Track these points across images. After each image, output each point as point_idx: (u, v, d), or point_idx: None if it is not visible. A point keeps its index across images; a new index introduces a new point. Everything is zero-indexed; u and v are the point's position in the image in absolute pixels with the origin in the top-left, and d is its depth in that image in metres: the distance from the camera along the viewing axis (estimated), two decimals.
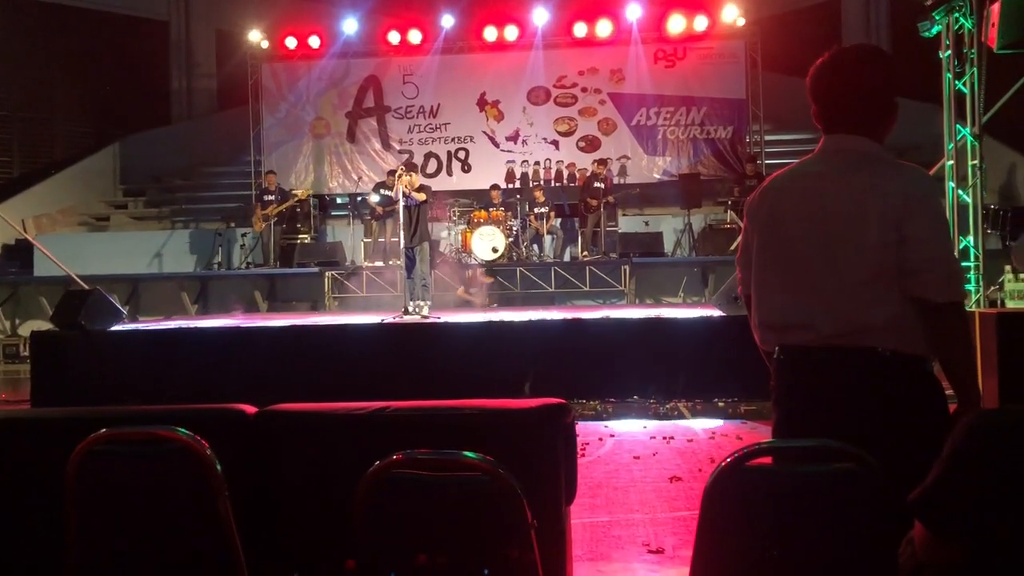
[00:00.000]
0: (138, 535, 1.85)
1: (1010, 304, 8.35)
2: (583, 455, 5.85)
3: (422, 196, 9.47)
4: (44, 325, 11.77)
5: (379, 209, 14.10)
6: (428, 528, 1.62)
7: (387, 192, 14.14)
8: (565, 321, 8.62)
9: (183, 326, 9.22)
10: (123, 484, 1.84)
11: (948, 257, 2.21)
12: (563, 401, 2.38)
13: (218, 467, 1.74)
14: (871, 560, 1.54)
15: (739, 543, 1.62)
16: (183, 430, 1.77)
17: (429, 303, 9.55)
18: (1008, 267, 8.83)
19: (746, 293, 2.57)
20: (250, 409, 2.45)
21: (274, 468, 2.36)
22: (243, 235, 14.99)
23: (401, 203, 9.19)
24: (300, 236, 14.58)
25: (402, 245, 9.33)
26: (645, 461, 5.75)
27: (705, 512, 1.66)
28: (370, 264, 13.85)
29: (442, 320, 8.92)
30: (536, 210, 14.20)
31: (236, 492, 2.30)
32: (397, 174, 9.36)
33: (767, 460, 1.92)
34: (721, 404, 7.89)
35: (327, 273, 13.78)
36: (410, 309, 9.31)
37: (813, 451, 1.66)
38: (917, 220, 2.16)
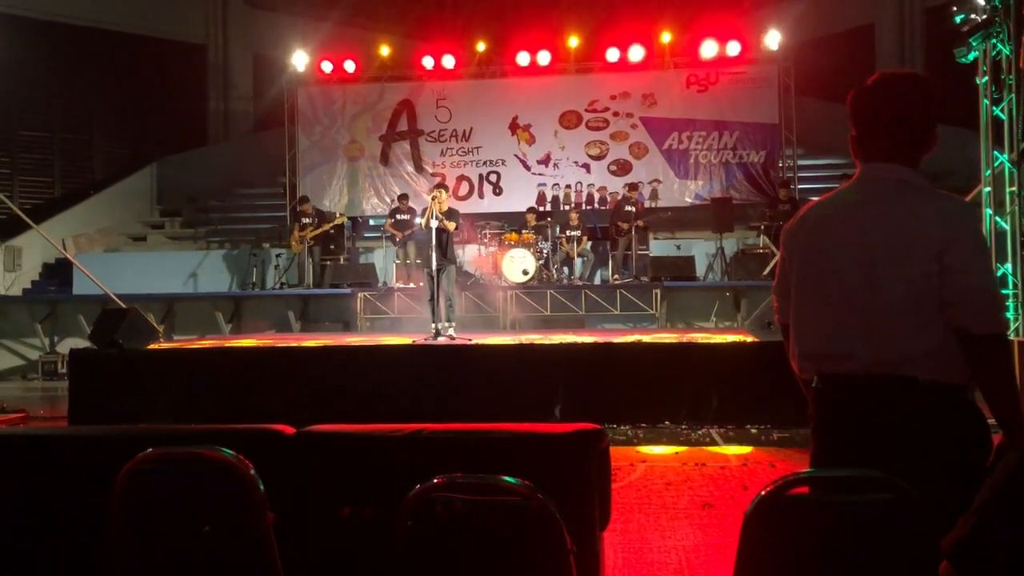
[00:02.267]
0: (182, 554, 1.89)
1: None
2: (615, 480, 5.82)
3: (451, 226, 9.52)
4: (82, 343, 11.95)
5: (398, 235, 14.24)
6: (468, 552, 1.63)
7: (403, 216, 14.30)
8: (596, 344, 8.62)
9: (218, 345, 9.31)
10: (169, 503, 1.88)
11: (989, 287, 2.21)
12: (598, 426, 2.39)
13: (260, 487, 1.77)
14: None
15: (778, 572, 1.61)
16: (227, 450, 1.81)
17: (454, 324, 9.59)
18: None
19: (783, 322, 2.57)
20: (288, 430, 2.49)
21: (313, 489, 2.39)
22: (278, 256, 15.18)
23: (434, 224, 9.24)
24: (334, 257, 14.73)
25: (432, 266, 9.37)
26: (677, 487, 5.72)
27: (744, 541, 1.66)
28: (402, 285, 13.94)
29: (473, 342, 8.94)
30: (568, 232, 14.23)
31: (276, 512, 2.34)
32: (431, 195, 9.42)
33: (804, 489, 1.91)
34: (754, 431, 7.83)
35: (359, 294, 13.89)
36: (440, 330, 9.35)
37: (853, 481, 1.65)
38: (957, 250, 2.16)
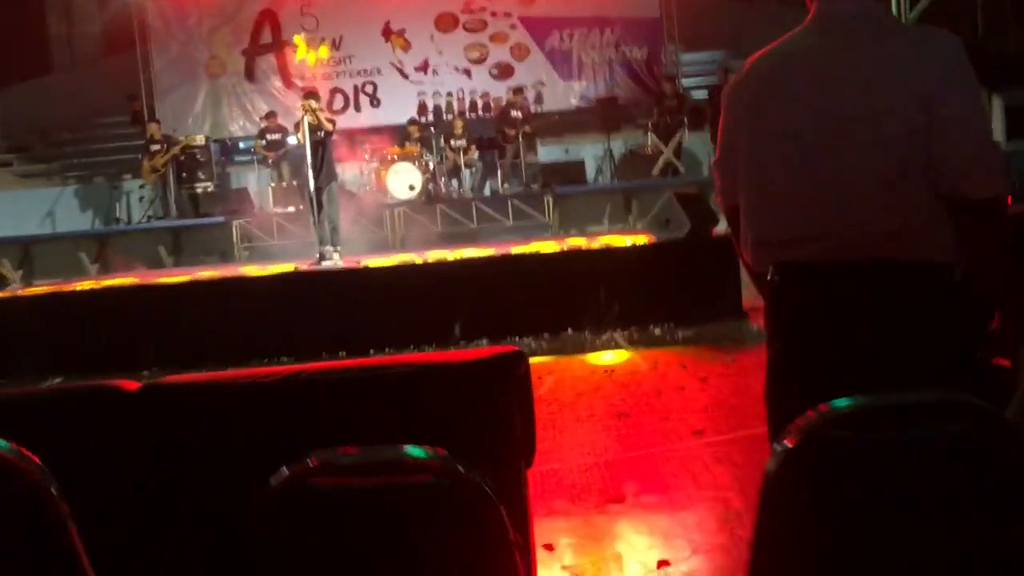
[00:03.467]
0: None
1: None
2: None
3: (329, 125, 8.82)
4: None
5: (270, 156, 13.34)
6: (359, 560, 1.17)
7: (273, 136, 13.37)
8: (492, 258, 8.19)
9: (72, 289, 8.45)
10: None
11: (988, 139, 1.83)
12: (515, 349, 1.95)
13: (54, 489, 1.27)
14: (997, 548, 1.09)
15: (812, 533, 1.17)
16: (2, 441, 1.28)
17: (340, 248, 8.98)
18: None
19: (729, 203, 2.13)
20: (130, 385, 1.96)
21: (161, 459, 1.89)
22: (141, 187, 14.04)
23: (307, 139, 8.53)
24: (202, 185, 13.66)
25: (311, 186, 8.68)
26: (589, 397, 5.43)
27: (769, 502, 1.14)
28: (280, 210, 13.11)
29: (361, 264, 8.38)
30: (453, 143, 13.61)
31: (113, 489, 1.83)
32: (301, 106, 8.66)
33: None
34: (657, 332, 7.62)
35: (234, 222, 13.02)
36: (324, 255, 8.73)
37: (904, 408, 1.19)
38: (949, 95, 1.76)
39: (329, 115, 8.75)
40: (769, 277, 1.99)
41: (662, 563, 2.92)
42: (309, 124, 8.51)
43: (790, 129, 1.90)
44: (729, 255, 8.08)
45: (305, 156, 8.67)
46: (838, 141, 1.83)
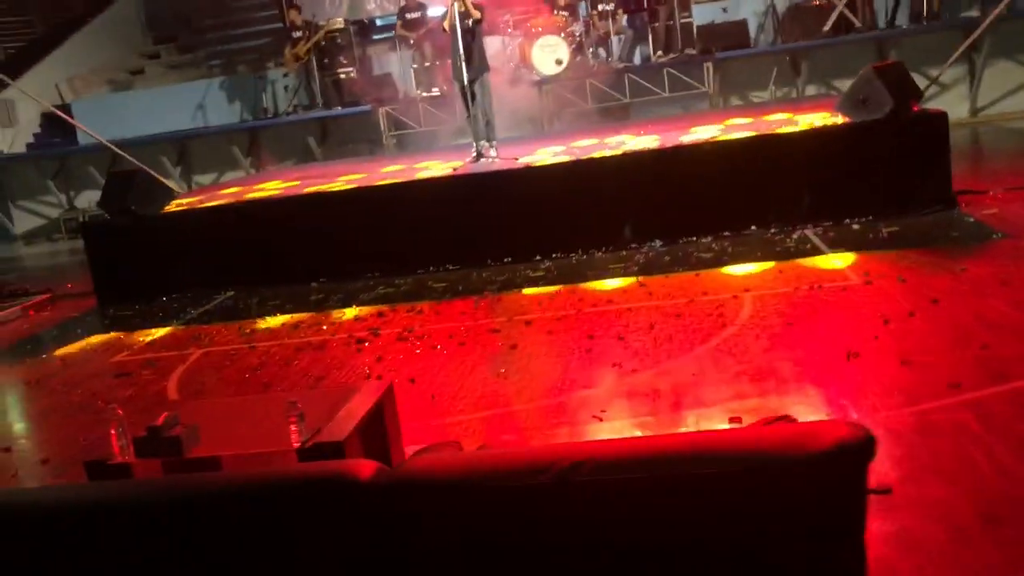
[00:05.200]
0: None
1: None
2: (724, 324, 4.98)
3: (477, 13, 8.18)
4: (98, 195, 11.05)
5: (411, 36, 12.73)
6: None
7: (413, 15, 12.71)
8: (662, 150, 7.51)
9: (236, 201, 8.35)
10: None
11: None
12: (861, 432, 1.45)
13: None
14: None
15: None
16: None
17: (495, 142, 8.46)
18: None
19: None
20: (365, 468, 1.60)
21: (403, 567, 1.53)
22: (284, 75, 13.83)
23: (458, 29, 7.92)
24: (344, 71, 13.29)
25: (463, 78, 8.11)
26: (801, 324, 4.84)
27: None
28: (426, 93, 12.64)
29: (520, 161, 7.88)
30: (600, 7, 12.60)
31: None
32: None
33: None
34: (856, 227, 6.86)
35: (381, 110, 12.68)
36: (480, 151, 8.25)
37: None
38: None
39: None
40: None
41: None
42: (459, 12, 7.88)
43: None
44: (937, 134, 7.14)
45: (454, 44, 8.08)
46: None
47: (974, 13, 11.59)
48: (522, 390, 4.42)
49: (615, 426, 3.83)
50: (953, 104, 11.49)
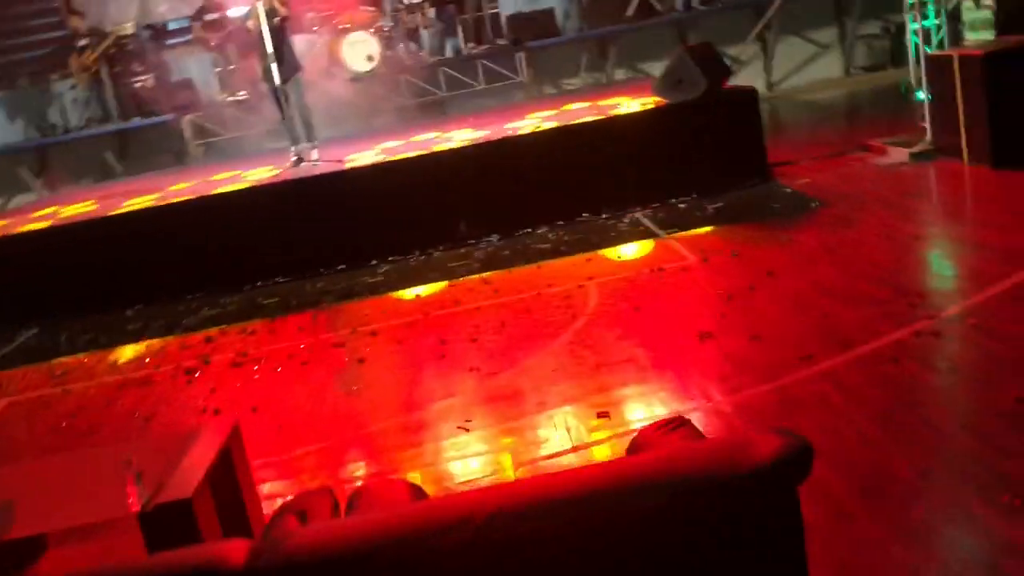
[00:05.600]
0: None
1: (971, 36, 7.55)
2: (574, 317, 4.91)
3: (284, 10, 7.77)
4: None
5: (211, 38, 12.03)
6: None
7: (212, 16, 12.01)
8: (488, 142, 7.40)
9: (30, 230, 7.54)
10: None
11: None
12: (796, 441, 1.34)
13: None
14: None
15: None
16: None
17: (316, 143, 8.07)
18: None
19: None
20: (235, 552, 1.34)
21: None
22: (72, 87, 12.71)
23: (265, 27, 7.47)
24: (139, 79, 12.36)
25: (274, 80, 7.68)
26: (649, 309, 4.84)
27: None
28: (232, 98, 11.97)
29: (346, 163, 7.55)
30: (407, 1, 12.36)
31: None
32: None
33: None
34: (682, 206, 7.01)
35: (184, 118, 11.90)
36: (301, 155, 7.85)
37: None
38: None
39: None
40: None
41: None
42: (264, 10, 7.43)
43: None
44: (748, 109, 7.42)
45: (260, 45, 7.62)
46: None
47: None
48: (377, 407, 4.17)
49: (483, 435, 3.66)
50: (750, 80, 12.03)
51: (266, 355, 5.27)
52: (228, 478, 2.81)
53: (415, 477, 3.26)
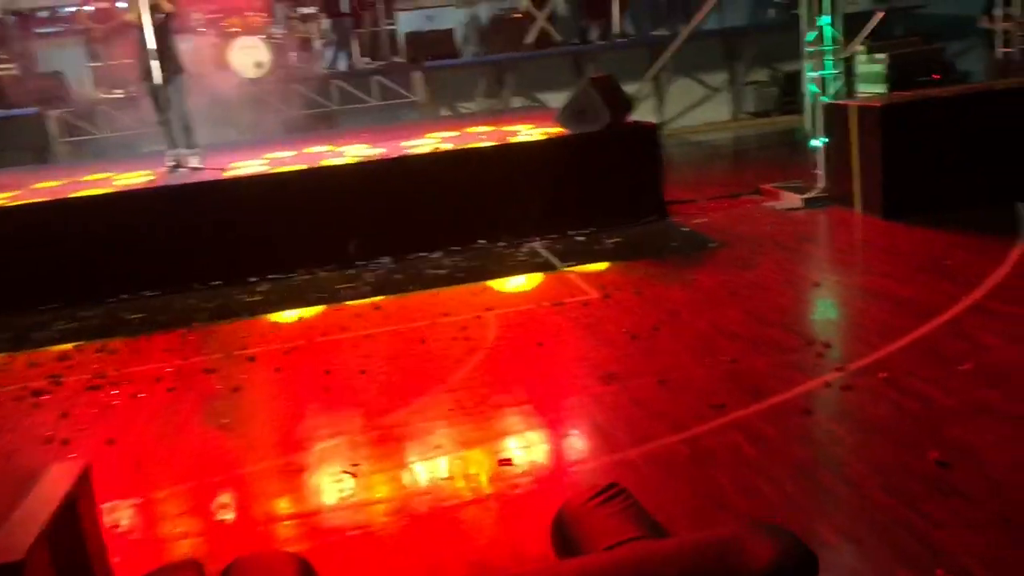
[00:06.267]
0: None
1: (863, 88, 7.74)
2: (474, 349, 4.61)
3: (169, 6, 7.27)
4: None
5: (98, 29, 11.24)
6: None
7: (101, 4, 11.24)
8: (384, 161, 7.06)
9: None
10: None
11: None
12: (794, 545, 1.09)
13: None
14: None
15: None
16: None
17: (197, 149, 7.55)
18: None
19: None
20: None
21: None
22: None
23: (149, 23, 6.94)
24: (2, 68, 11.40)
25: (153, 80, 7.14)
26: (550, 345, 4.60)
27: None
28: (106, 95, 11.19)
29: (227, 172, 7.06)
30: (301, 10, 11.92)
31: None
32: None
33: None
34: (580, 238, 6.84)
35: (50, 113, 11.04)
36: (179, 160, 7.30)
37: None
38: None
39: None
40: None
41: None
42: (148, 4, 6.89)
43: None
44: (649, 145, 7.34)
45: (142, 41, 7.07)
46: None
47: (664, 32, 12.31)
48: (252, 445, 3.75)
49: (372, 481, 3.30)
50: (643, 118, 12.14)
51: (127, 378, 4.75)
52: (73, 536, 2.37)
53: (297, 544, 2.87)
